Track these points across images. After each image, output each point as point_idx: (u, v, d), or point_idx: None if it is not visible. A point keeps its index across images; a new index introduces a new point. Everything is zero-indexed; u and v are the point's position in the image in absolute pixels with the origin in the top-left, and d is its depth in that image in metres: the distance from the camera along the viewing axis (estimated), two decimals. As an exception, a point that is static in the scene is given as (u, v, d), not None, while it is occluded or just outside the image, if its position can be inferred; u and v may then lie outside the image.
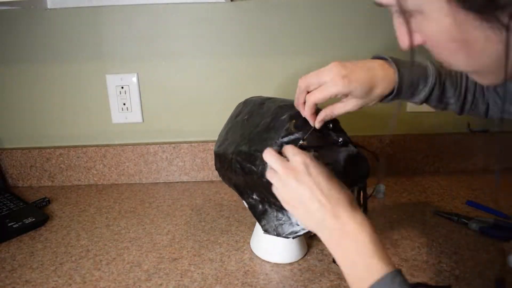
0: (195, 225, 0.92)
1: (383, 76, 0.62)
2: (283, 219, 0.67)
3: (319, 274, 0.74)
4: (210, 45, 1.09)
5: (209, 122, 1.15)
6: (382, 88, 0.62)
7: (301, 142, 0.63)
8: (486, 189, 1.05)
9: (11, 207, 0.99)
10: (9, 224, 0.91)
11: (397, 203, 0.99)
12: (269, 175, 0.58)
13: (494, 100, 0.68)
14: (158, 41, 1.08)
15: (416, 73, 0.65)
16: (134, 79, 1.11)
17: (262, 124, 0.70)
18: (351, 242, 0.51)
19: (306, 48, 1.08)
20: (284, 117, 0.67)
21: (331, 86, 0.61)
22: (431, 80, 0.65)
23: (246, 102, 0.81)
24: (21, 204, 1.01)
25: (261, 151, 0.59)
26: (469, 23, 0.39)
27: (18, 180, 1.16)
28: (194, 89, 1.12)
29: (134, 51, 1.09)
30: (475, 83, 0.68)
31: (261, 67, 1.10)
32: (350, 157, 0.61)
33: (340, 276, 0.73)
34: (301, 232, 0.66)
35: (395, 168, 1.17)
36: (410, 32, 0.44)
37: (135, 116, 1.14)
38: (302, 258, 0.78)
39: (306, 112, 0.64)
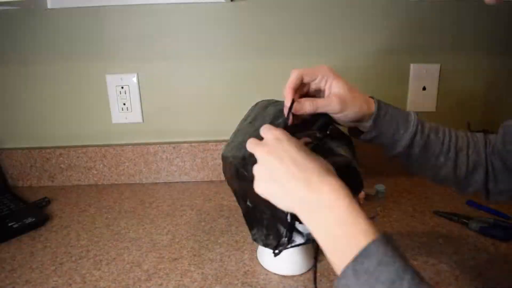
0: (195, 225, 0.92)
1: (363, 97, 0.61)
2: (273, 230, 0.65)
3: (318, 274, 0.74)
4: (210, 45, 1.09)
5: (209, 122, 1.15)
6: (356, 106, 0.60)
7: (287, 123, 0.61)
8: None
9: (11, 207, 0.99)
10: (9, 224, 0.91)
11: (397, 203, 0.99)
12: (248, 149, 0.56)
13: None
14: (158, 41, 1.08)
15: (396, 114, 0.63)
16: (134, 79, 1.11)
17: (258, 128, 0.69)
18: (328, 212, 0.45)
19: (306, 49, 1.08)
20: (279, 121, 0.66)
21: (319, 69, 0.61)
22: (412, 123, 0.62)
23: (256, 105, 0.80)
24: (21, 204, 1.01)
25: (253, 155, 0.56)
26: None
27: (18, 180, 1.16)
28: (194, 89, 1.12)
29: (134, 51, 1.09)
30: (467, 143, 0.65)
31: (261, 67, 1.10)
32: (340, 168, 0.55)
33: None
34: (288, 246, 0.64)
35: (395, 168, 1.16)
36: None
37: (135, 116, 1.14)
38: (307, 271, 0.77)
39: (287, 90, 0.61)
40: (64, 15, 1.06)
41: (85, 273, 0.76)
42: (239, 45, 1.09)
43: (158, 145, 1.14)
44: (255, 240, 0.68)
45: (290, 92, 0.60)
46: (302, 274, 0.74)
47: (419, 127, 0.63)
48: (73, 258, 0.81)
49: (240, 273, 0.75)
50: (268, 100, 0.79)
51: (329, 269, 0.75)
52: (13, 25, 1.06)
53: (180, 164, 1.15)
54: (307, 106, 0.60)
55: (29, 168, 1.15)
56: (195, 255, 0.81)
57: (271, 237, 0.65)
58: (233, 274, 0.74)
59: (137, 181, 1.16)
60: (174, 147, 1.14)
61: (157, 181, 1.16)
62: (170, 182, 1.16)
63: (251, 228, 0.69)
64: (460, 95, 1.13)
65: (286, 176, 0.49)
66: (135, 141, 1.16)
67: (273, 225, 0.65)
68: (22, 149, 1.14)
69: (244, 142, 0.67)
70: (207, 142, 1.15)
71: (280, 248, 0.64)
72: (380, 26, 1.06)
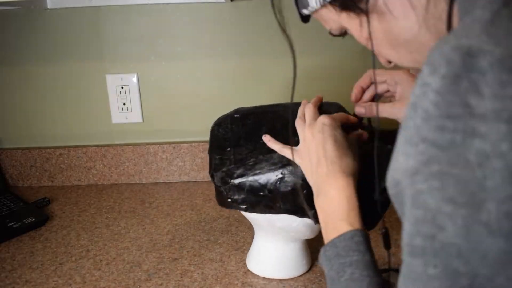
0: (195, 225, 0.92)
1: None
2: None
3: (318, 274, 0.74)
4: (210, 45, 1.09)
5: (209, 122, 1.14)
6: None
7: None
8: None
9: (11, 207, 0.99)
10: (9, 224, 0.91)
11: (397, 203, 0.99)
12: (297, 124, 0.62)
13: None
14: (158, 41, 1.08)
15: None
16: (134, 79, 1.11)
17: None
18: (329, 204, 0.54)
19: (307, 49, 1.08)
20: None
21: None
22: None
23: (238, 124, 0.74)
24: (21, 204, 1.01)
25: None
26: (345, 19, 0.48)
27: (18, 180, 1.16)
28: (194, 89, 1.12)
29: (134, 51, 1.09)
30: None
31: (261, 67, 1.10)
32: (388, 153, 0.58)
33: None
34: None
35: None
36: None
37: (135, 116, 1.14)
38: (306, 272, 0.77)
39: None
40: (64, 15, 1.06)
41: (85, 273, 0.76)
42: (239, 45, 1.09)
43: (158, 145, 1.14)
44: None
45: (357, 88, 0.66)
46: (301, 275, 0.74)
47: None
48: (73, 258, 0.81)
49: (240, 273, 0.75)
50: (250, 109, 0.74)
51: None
52: (13, 25, 1.06)
53: (180, 164, 1.15)
54: (373, 109, 0.63)
55: (29, 168, 1.15)
56: (195, 255, 0.81)
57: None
58: (233, 274, 0.74)
59: (137, 181, 1.16)
60: (174, 147, 1.14)
61: (157, 181, 1.16)
62: (170, 182, 1.16)
63: (311, 207, 0.65)
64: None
65: (314, 161, 0.57)
66: (135, 141, 1.16)
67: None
68: (22, 149, 1.14)
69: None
70: (207, 142, 1.14)
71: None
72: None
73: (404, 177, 0.32)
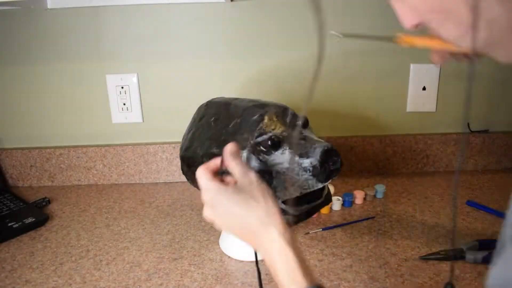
0: (195, 225, 0.92)
1: None
2: None
3: (318, 274, 0.74)
4: (210, 45, 1.09)
5: (209, 122, 1.15)
6: None
7: (273, 137, 0.65)
8: (486, 188, 1.05)
9: (11, 207, 0.99)
10: (9, 224, 0.91)
11: (397, 203, 0.99)
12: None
13: None
14: (158, 41, 1.08)
15: None
16: (134, 79, 1.11)
17: (232, 125, 0.71)
18: (272, 267, 0.50)
19: (307, 49, 1.08)
20: (255, 117, 0.68)
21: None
22: None
23: (208, 105, 0.82)
24: (21, 204, 1.01)
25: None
26: None
27: (18, 180, 1.16)
28: (194, 89, 1.12)
29: (134, 51, 1.09)
30: None
31: (261, 67, 1.10)
32: (325, 152, 0.63)
33: (339, 276, 0.73)
34: None
35: (395, 168, 1.17)
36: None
37: (135, 116, 1.14)
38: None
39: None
40: (64, 15, 1.06)
41: (85, 273, 0.76)
42: (239, 45, 1.09)
43: (158, 145, 1.14)
44: None
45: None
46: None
47: None
48: (73, 258, 0.81)
49: (240, 273, 0.75)
50: (222, 98, 0.82)
51: (328, 254, 0.75)
52: (13, 25, 1.07)
53: (180, 164, 1.15)
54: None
55: (29, 168, 1.15)
56: (195, 255, 0.81)
57: None
58: (233, 274, 0.74)
59: (137, 181, 1.16)
60: (174, 147, 1.14)
61: (157, 181, 1.16)
62: (170, 182, 1.16)
63: None
64: (460, 95, 1.13)
65: (233, 228, 0.54)
66: (135, 141, 1.16)
67: None
68: (22, 149, 1.14)
69: (212, 142, 0.73)
70: (207, 142, 1.14)
71: None
72: (381, 26, 1.06)
73: None
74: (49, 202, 1.05)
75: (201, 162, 0.72)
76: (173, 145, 1.14)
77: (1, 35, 1.07)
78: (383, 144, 1.14)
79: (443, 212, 0.94)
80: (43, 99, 1.12)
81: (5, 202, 1.02)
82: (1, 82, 1.11)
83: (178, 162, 1.15)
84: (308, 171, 0.64)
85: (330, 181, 0.66)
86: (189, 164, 0.78)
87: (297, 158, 0.64)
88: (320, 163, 0.63)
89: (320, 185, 0.66)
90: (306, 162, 0.64)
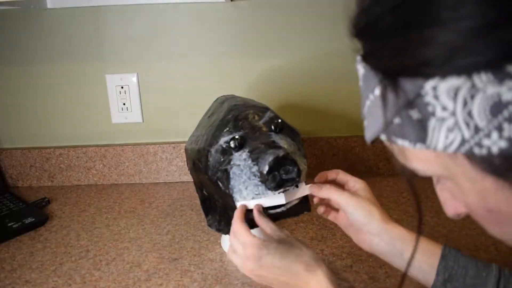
0: (195, 225, 0.92)
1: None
2: (224, 217, 0.73)
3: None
4: (210, 45, 1.09)
5: (209, 122, 1.15)
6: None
7: (236, 137, 0.65)
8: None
9: (11, 207, 0.99)
10: (9, 224, 0.91)
11: (397, 203, 0.99)
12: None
13: None
14: (158, 41, 1.08)
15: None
16: (134, 79, 1.11)
17: (212, 122, 0.72)
18: None
19: (308, 48, 1.08)
20: (229, 116, 0.69)
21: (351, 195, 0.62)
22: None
23: (216, 100, 0.84)
24: (21, 204, 1.01)
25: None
26: (491, 188, 0.32)
27: (18, 180, 1.16)
28: (194, 89, 1.12)
29: (134, 51, 1.09)
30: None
31: (261, 67, 1.10)
32: (274, 159, 0.60)
33: (339, 276, 0.73)
34: None
35: (395, 168, 1.16)
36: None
37: (135, 116, 1.13)
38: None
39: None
40: (64, 15, 1.06)
41: (85, 273, 0.76)
42: (239, 45, 1.09)
43: (158, 145, 1.14)
44: (209, 226, 0.76)
45: (321, 177, 0.68)
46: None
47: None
48: (73, 258, 0.81)
49: (240, 273, 0.75)
50: (226, 96, 0.83)
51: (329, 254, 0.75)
52: (13, 25, 1.06)
53: (180, 164, 1.15)
54: (323, 190, 0.63)
55: (29, 168, 1.15)
56: (195, 255, 0.81)
57: (222, 223, 0.74)
58: (233, 274, 0.74)
59: (137, 181, 1.16)
60: (174, 147, 1.14)
61: (157, 181, 1.16)
62: (170, 182, 1.16)
63: (206, 214, 0.77)
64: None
65: (279, 278, 0.56)
66: (135, 141, 1.16)
67: (224, 212, 0.72)
68: (22, 149, 1.14)
69: (201, 136, 0.73)
70: (207, 142, 1.14)
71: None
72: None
73: None
74: (48, 202, 1.04)
75: (189, 155, 0.76)
76: (173, 145, 1.14)
77: (1, 35, 1.07)
78: (383, 144, 1.14)
79: (443, 212, 0.94)
80: (42, 99, 1.12)
81: (4, 202, 1.02)
82: (1, 82, 1.11)
83: (178, 162, 1.15)
84: (256, 177, 0.62)
85: (282, 190, 0.62)
86: (186, 157, 0.80)
87: (249, 161, 0.62)
88: (268, 171, 0.60)
89: (270, 193, 0.62)
90: (254, 168, 0.62)
